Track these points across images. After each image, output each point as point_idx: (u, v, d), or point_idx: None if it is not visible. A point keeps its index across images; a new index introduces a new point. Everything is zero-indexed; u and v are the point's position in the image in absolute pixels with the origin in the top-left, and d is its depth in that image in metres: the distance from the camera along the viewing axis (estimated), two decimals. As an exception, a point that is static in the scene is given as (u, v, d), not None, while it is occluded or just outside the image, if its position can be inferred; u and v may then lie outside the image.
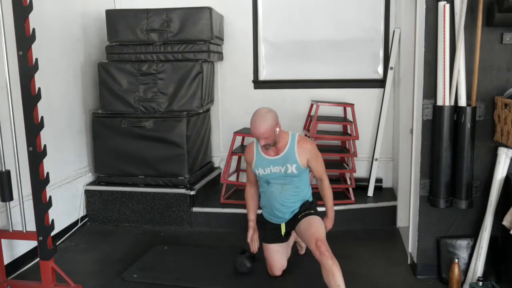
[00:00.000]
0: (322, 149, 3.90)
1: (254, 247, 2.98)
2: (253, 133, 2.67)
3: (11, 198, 2.75)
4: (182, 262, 3.21)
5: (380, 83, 4.29)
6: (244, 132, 4.02)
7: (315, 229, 2.70)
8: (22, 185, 2.77)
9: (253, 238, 2.98)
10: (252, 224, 3.00)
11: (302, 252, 3.25)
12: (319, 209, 2.94)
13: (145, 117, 3.97)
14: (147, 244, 3.55)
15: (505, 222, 2.54)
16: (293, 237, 3.08)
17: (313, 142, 2.96)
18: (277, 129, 2.69)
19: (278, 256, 2.95)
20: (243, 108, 4.47)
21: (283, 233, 2.93)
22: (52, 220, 2.66)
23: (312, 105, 4.26)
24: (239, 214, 3.78)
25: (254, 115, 2.69)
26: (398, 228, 3.75)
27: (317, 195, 2.88)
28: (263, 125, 2.63)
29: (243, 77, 4.56)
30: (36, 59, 2.50)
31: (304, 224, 2.77)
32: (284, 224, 2.91)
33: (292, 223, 2.88)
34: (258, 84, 4.55)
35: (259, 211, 3.06)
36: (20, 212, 2.77)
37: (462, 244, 2.85)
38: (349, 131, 4.12)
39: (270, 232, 2.95)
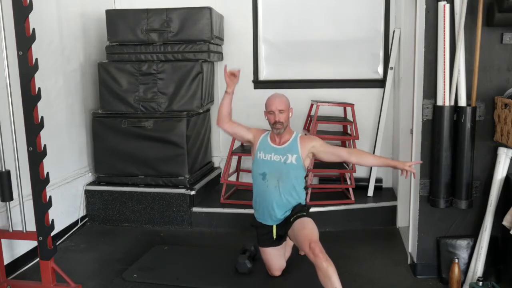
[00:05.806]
0: (322, 149, 3.91)
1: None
2: (271, 104, 2.82)
3: (11, 198, 2.75)
4: (182, 262, 3.21)
5: (380, 83, 4.29)
6: (244, 132, 4.01)
7: (309, 230, 2.68)
8: (22, 185, 2.77)
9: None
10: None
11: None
12: (313, 209, 2.92)
13: (145, 117, 3.97)
14: (147, 244, 3.54)
15: (505, 222, 2.54)
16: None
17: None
18: (290, 113, 2.89)
19: (275, 259, 2.95)
20: (243, 108, 4.45)
21: (274, 236, 2.92)
22: (52, 220, 2.66)
23: (312, 105, 4.26)
24: (239, 214, 3.78)
25: (273, 94, 2.90)
26: (398, 228, 3.75)
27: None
28: (283, 98, 2.86)
29: (243, 77, 4.47)
30: (36, 59, 2.50)
31: (296, 226, 2.75)
32: (275, 226, 2.90)
33: (284, 226, 2.85)
34: (258, 84, 4.55)
35: (251, 211, 3.06)
36: (20, 212, 2.77)
37: (462, 244, 2.85)
38: (349, 131, 4.12)
39: (263, 236, 2.95)
